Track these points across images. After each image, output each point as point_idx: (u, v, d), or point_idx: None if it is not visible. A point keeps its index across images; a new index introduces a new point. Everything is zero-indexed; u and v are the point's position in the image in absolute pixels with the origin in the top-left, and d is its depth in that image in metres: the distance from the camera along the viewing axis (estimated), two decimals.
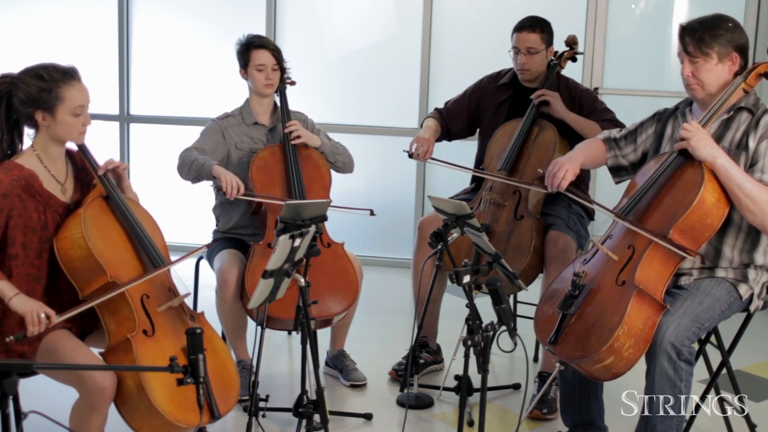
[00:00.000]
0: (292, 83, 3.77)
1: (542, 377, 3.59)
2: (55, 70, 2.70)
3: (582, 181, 3.87)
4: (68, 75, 2.71)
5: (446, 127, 4.03)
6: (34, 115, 2.69)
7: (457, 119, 4.02)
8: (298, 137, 3.63)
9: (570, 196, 3.04)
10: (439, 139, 4.05)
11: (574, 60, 3.99)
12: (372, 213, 3.71)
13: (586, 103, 3.82)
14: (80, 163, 2.88)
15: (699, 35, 2.78)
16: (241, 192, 3.43)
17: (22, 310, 2.53)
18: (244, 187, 3.44)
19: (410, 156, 3.82)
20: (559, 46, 3.93)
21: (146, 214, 2.97)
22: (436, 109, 4.11)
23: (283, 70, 3.70)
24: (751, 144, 2.75)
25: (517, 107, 3.87)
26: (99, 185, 2.84)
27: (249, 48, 3.65)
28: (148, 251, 2.83)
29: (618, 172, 3.16)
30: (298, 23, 5.77)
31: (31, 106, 2.68)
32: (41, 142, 2.75)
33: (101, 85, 5.87)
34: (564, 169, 3.00)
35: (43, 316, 2.54)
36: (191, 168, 3.49)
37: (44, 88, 2.66)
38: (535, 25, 3.78)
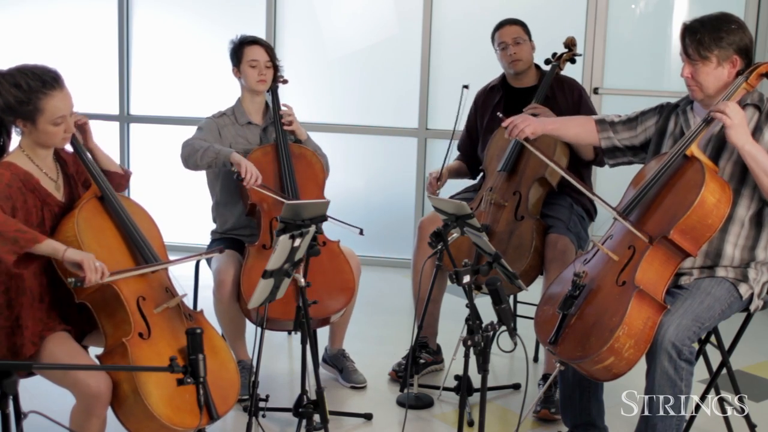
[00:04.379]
0: (285, 82, 3.77)
1: (546, 380, 3.58)
2: (35, 78, 2.59)
3: (585, 177, 3.88)
4: (48, 84, 2.60)
5: (467, 161, 4.07)
6: (14, 122, 2.65)
7: (468, 148, 4.06)
8: (290, 123, 3.66)
9: (530, 148, 3.02)
10: (464, 176, 4.09)
11: (573, 62, 4.00)
12: (361, 232, 3.56)
13: (576, 96, 3.85)
14: (65, 158, 2.84)
15: (699, 37, 2.77)
16: (258, 182, 3.42)
17: (79, 258, 2.51)
18: (261, 179, 3.43)
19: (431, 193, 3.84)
20: (558, 47, 3.93)
21: (144, 214, 2.95)
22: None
23: (276, 68, 3.70)
24: (766, 138, 2.76)
25: (511, 107, 3.86)
26: (94, 185, 2.81)
27: (242, 45, 3.65)
28: (144, 252, 2.80)
29: (613, 153, 3.14)
30: (298, 23, 5.77)
31: (11, 115, 2.63)
32: (28, 143, 2.71)
33: (101, 85, 5.88)
34: (527, 122, 3.05)
35: (99, 264, 2.53)
36: (204, 154, 3.46)
37: (22, 100, 2.58)
38: (513, 21, 3.89)
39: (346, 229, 3.54)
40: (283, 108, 3.68)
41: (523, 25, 3.89)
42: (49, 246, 2.51)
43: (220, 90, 5.69)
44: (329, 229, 3.63)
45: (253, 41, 3.66)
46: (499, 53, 3.88)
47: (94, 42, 5.94)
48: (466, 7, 5.60)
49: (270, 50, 3.68)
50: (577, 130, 3.16)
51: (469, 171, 4.08)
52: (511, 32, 3.83)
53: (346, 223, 3.49)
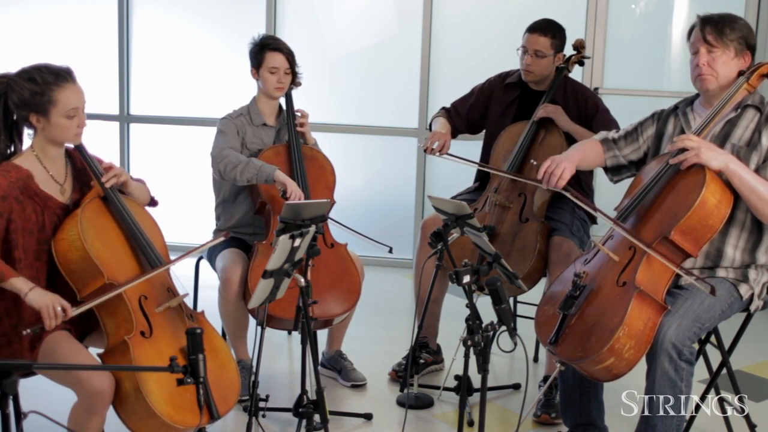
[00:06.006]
0: (298, 84, 3.77)
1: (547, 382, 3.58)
2: (48, 72, 2.67)
3: (585, 183, 3.87)
4: (61, 77, 2.67)
5: (453, 125, 4.01)
6: (28, 117, 2.68)
7: (461, 118, 4.00)
8: (303, 125, 3.69)
9: (570, 197, 2.96)
10: None
11: (581, 64, 3.97)
12: (391, 251, 3.77)
13: (591, 109, 3.80)
14: (80, 163, 2.87)
15: (720, 26, 2.80)
16: (301, 200, 3.42)
17: (38, 305, 2.53)
18: (303, 197, 3.47)
19: (425, 151, 3.78)
20: (566, 49, 3.91)
21: (146, 214, 2.96)
22: (443, 108, 4.09)
23: (294, 74, 3.70)
24: (764, 141, 2.76)
25: (525, 108, 3.85)
26: (96, 186, 2.82)
27: (263, 49, 3.64)
28: (146, 252, 2.81)
29: (618, 171, 3.15)
30: (298, 23, 5.77)
31: (25, 109, 2.66)
32: (39, 143, 2.73)
33: (101, 85, 5.88)
34: (562, 167, 2.92)
35: (59, 309, 2.54)
36: (245, 169, 3.44)
37: (36, 92, 2.64)
38: (548, 30, 3.75)
39: (372, 245, 3.67)
40: (298, 114, 3.71)
41: (554, 37, 3.74)
42: (13, 286, 2.55)
43: (221, 89, 5.73)
44: (336, 232, 3.64)
45: (275, 47, 3.64)
46: (519, 52, 3.81)
47: (94, 42, 5.94)
48: (466, 7, 5.60)
49: (291, 57, 3.67)
50: (593, 155, 3.10)
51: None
52: (535, 43, 3.73)
53: (374, 240, 3.58)
